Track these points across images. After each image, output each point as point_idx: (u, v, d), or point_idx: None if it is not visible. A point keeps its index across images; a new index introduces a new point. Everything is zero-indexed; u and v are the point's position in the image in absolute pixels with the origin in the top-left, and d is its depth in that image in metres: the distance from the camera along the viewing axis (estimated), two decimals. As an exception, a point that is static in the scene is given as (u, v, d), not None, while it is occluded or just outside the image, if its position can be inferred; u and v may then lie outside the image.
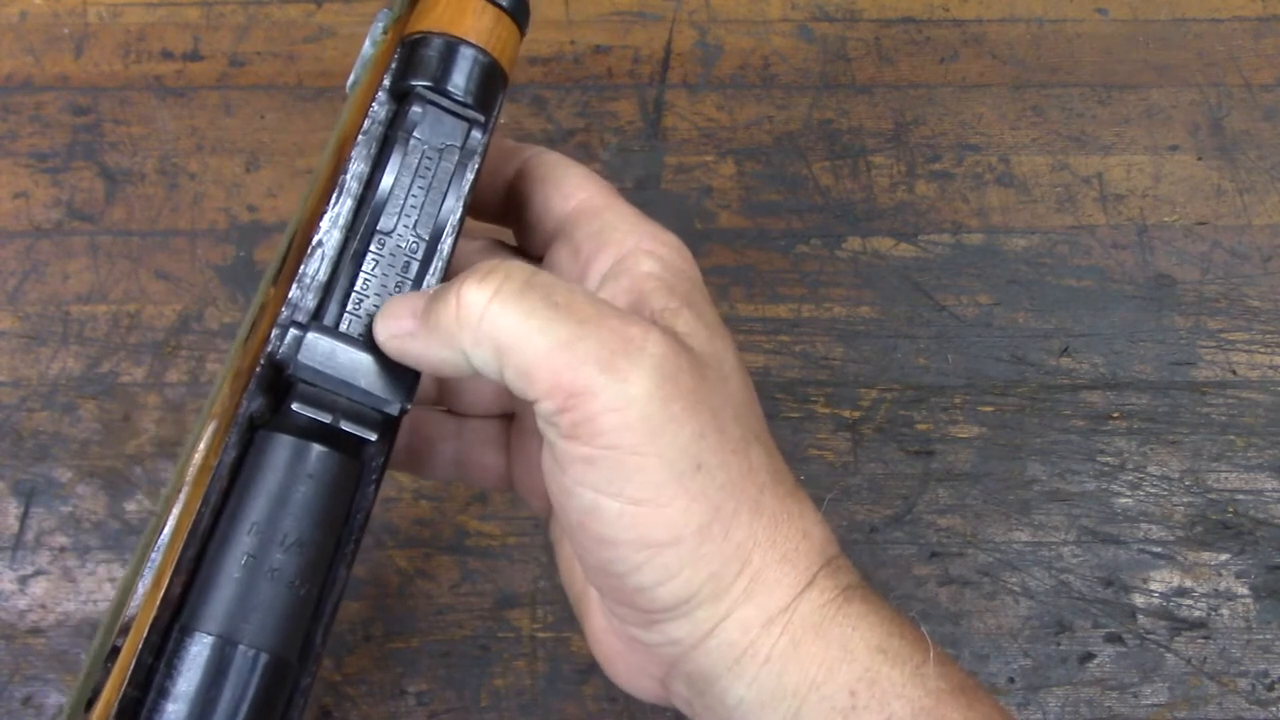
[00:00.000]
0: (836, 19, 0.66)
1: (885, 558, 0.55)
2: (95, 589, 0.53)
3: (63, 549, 0.54)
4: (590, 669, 0.53)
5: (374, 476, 0.35)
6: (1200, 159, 0.64)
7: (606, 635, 0.36)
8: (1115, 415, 0.59)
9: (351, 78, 0.38)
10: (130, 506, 0.54)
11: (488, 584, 0.54)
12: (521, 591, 0.54)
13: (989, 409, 0.58)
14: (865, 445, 0.57)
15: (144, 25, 0.63)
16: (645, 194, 0.62)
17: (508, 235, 0.40)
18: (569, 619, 0.54)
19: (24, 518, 0.54)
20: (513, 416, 0.41)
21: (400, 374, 0.34)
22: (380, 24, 0.38)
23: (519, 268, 0.32)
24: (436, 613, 0.54)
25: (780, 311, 0.60)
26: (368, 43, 0.38)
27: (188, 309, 0.58)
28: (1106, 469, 0.57)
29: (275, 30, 0.64)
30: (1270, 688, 0.54)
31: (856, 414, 0.58)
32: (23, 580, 0.53)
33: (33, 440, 0.55)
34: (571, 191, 0.37)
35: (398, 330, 0.34)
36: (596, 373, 0.31)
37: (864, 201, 0.62)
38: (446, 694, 0.52)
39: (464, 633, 0.53)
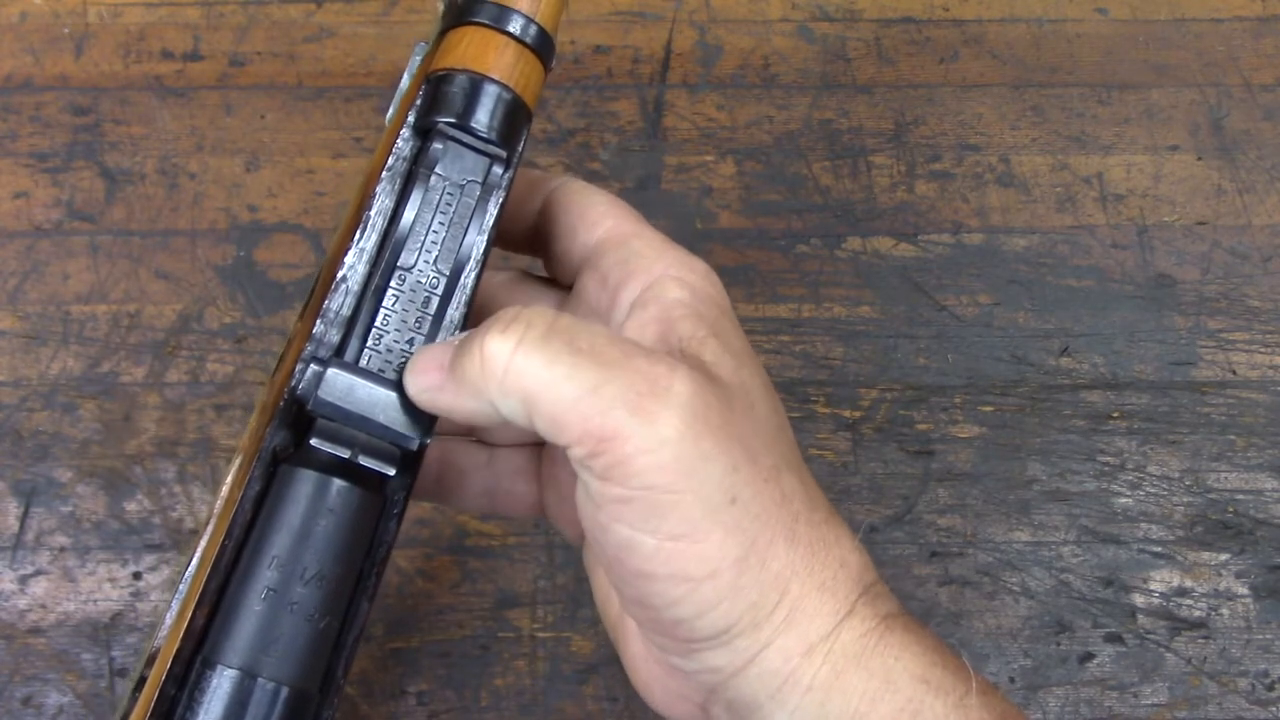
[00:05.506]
0: (836, 19, 0.66)
1: (885, 558, 0.55)
2: (95, 589, 0.53)
3: (63, 549, 0.54)
4: (590, 669, 0.53)
5: (396, 510, 0.35)
6: (1200, 159, 0.64)
7: (644, 662, 0.36)
8: (1115, 415, 0.59)
9: (390, 111, 0.38)
10: (130, 506, 0.54)
11: (488, 584, 0.54)
12: (521, 591, 0.54)
13: (989, 409, 0.58)
14: (865, 445, 0.57)
15: (144, 25, 0.63)
16: (645, 194, 0.62)
17: (537, 265, 0.40)
18: (569, 619, 0.54)
19: (24, 518, 0.54)
20: (543, 445, 0.40)
21: (419, 409, 0.34)
22: (417, 57, 0.38)
23: (540, 314, 0.32)
24: (436, 613, 0.54)
25: (780, 311, 0.60)
26: (405, 76, 0.38)
27: (188, 309, 0.58)
28: (1106, 469, 0.57)
29: (275, 30, 0.64)
30: (1270, 688, 0.54)
31: (856, 414, 0.58)
32: (23, 580, 0.53)
33: (33, 440, 0.55)
34: (598, 219, 0.37)
35: (426, 384, 0.34)
36: (625, 416, 0.31)
37: (864, 201, 0.62)
38: (446, 694, 0.52)
39: (464, 633, 0.53)
